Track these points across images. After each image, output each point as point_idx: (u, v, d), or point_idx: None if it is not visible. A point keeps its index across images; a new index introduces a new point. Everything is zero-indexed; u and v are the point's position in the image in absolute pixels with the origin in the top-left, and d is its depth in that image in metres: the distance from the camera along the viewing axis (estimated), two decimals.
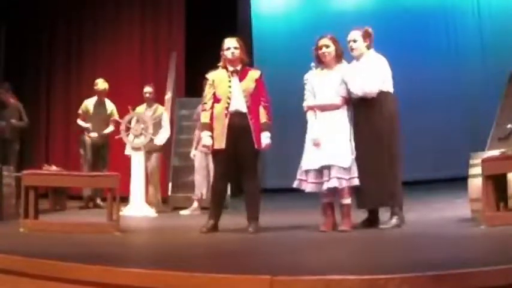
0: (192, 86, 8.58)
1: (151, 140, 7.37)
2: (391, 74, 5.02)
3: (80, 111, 8.19)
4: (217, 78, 5.06)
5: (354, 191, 4.88)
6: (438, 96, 10.11)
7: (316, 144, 4.87)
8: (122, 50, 10.01)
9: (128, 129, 7.38)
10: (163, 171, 8.19)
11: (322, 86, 4.98)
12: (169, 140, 8.15)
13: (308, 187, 4.88)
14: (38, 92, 10.10)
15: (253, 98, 4.99)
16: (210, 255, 3.87)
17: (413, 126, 8.58)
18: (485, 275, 2.49)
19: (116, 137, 7.59)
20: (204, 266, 3.19)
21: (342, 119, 4.93)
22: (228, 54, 5.02)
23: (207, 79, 5.18)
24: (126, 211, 6.84)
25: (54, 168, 7.30)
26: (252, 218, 4.92)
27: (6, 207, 5.99)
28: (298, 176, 4.95)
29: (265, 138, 4.98)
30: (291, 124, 8.53)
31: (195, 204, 7.29)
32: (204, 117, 5.06)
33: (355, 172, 4.81)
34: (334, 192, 4.86)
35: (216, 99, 5.01)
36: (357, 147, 4.88)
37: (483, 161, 4.69)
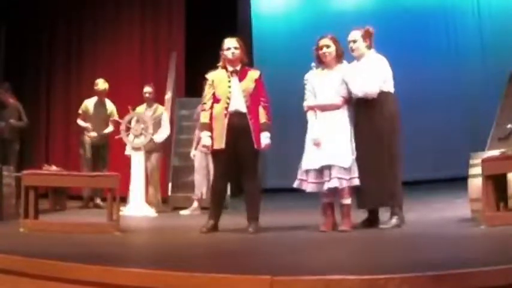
0: (192, 86, 8.58)
1: (152, 140, 7.37)
2: (392, 74, 5.02)
3: (80, 111, 8.21)
4: (217, 79, 5.06)
5: (354, 191, 4.88)
6: (438, 96, 10.11)
7: (317, 144, 4.87)
8: (122, 50, 10.01)
9: (128, 129, 7.38)
10: (163, 171, 8.19)
11: (323, 86, 4.98)
12: (169, 140, 8.15)
13: (308, 187, 4.88)
14: (38, 92, 10.10)
15: (253, 98, 4.99)
16: (210, 255, 3.87)
17: (413, 126, 8.57)
18: (485, 275, 2.49)
19: (116, 137, 7.59)
20: (204, 266, 3.19)
21: (342, 119, 4.93)
22: (228, 54, 5.02)
23: (206, 79, 5.18)
24: (126, 211, 6.84)
25: (54, 168, 7.30)
26: (252, 218, 4.92)
27: (6, 207, 5.99)
28: (298, 176, 4.95)
29: (265, 139, 4.98)
30: (291, 124, 8.54)
31: (195, 204, 7.29)
32: (204, 117, 5.06)
33: (355, 172, 4.81)
34: (335, 192, 4.86)
35: (216, 99, 5.01)
36: (358, 147, 4.88)
37: (483, 161, 4.69)
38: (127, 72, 9.69)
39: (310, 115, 5.03)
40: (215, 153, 5.06)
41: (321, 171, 4.83)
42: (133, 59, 9.94)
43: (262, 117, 5.00)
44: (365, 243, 4.26)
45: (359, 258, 3.53)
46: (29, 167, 6.37)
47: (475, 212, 5.00)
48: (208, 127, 5.00)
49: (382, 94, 4.90)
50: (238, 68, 5.05)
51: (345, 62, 5.06)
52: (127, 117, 7.42)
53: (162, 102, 8.30)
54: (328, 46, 4.97)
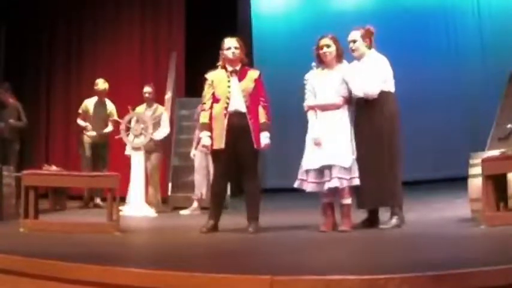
0: (192, 86, 8.57)
1: (151, 140, 7.37)
2: (393, 73, 5.02)
3: (80, 111, 8.21)
4: (217, 78, 5.06)
5: (354, 190, 4.88)
6: (438, 96, 10.11)
7: (317, 144, 4.87)
8: (122, 50, 10.01)
9: (127, 129, 7.38)
10: (163, 171, 8.19)
11: (323, 86, 4.98)
12: (169, 140, 8.15)
13: (309, 187, 4.88)
14: (38, 92, 10.09)
15: (253, 98, 4.99)
16: (210, 255, 3.87)
17: (413, 126, 8.58)
18: (485, 275, 2.49)
19: (116, 137, 7.59)
20: (204, 266, 3.19)
21: (342, 118, 4.93)
22: (228, 53, 5.02)
23: (206, 79, 5.18)
24: (126, 211, 6.83)
25: (54, 168, 7.30)
26: (252, 218, 4.92)
27: (6, 207, 5.99)
28: (299, 176, 4.94)
29: (265, 138, 4.98)
30: (291, 124, 8.55)
31: (195, 204, 7.29)
32: (203, 117, 5.06)
33: (355, 172, 4.81)
34: (335, 192, 4.86)
35: (215, 99, 5.01)
36: (358, 147, 4.88)
37: (483, 161, 4.69)
38: (127, 72, 9.69)
39: (310, 115, 5.03)
40: (215, 153, 5.05)
41: (321, 171, 4.83)
42: (133, 59, 9.94)
43: (262, 117, 5.00)
44: (365, 243, 4.26)
45: (359, 258, 3.53)
46: (29, 167, 6.37)
47: (475, 212, 4.99)
48: (208, 127, 5.00)
49: (383, 94, 4.89)
50: (237, 68, 5.05)
51: (345, 61, 5.06)
52: (127, 117, 7.42)
53: (162, 102, 8.30)
54: (328, 46, 4.97)
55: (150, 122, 7.37)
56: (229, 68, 5.05)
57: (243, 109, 4.95)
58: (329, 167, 4.79)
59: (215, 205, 5.07)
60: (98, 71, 9.24)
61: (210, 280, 2.65)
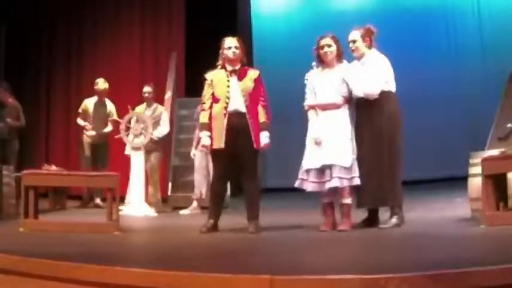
0: (192, 86, 8.57)
1: (151, 139, 7.37)
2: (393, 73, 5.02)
3: (80, 111, 8.22)
4: (216, 78, 5.06)
5: (354, 190, 4.88)
6: (438, 96, 10.12)
7: (318, 143, 4.87)
8: (122, 50, 10.00)
9: (127, 129, 7.38)
10: (163, 171, 8.19)
11: (323, 86, 4.98)
12: (169, 140, 8.15)
13: (309, 186, 4.88)
14: (38, 92, 10.09)
15: (252, 98, 4.98)
16: (210, 255, 3.87)
17: (413, 126, 8.51)
18: (485, 275, 2.49)
19: (116, 136, 7.58)
20: (204, 266, 3.19)
21: (343, 118, 4.93)
22: (229, 53, 5.02)
23: (205, 79, 5.18)
24: (125, 211, 6.83)
25: (54, 168, 7.30)
26: (252, 217, 4.92)
27: (6, 207, 5.99)
28: (299, 176, 4.94)
29: (264, 138, 4.98)
30: (291, 124, 8.54)
31: (195, 203, 7.29)
32: (203, 117, 5.06)
33: (356, 171, 4.81)
34: (335, 191, 4.86)
35: (215, 99, 5.01)
36: (358, 147, 4.89)
37: (483, 160, 4.69)
38: (127, 72, 9.69)
39: (311, 114, 5.03)
40: (215, 153, 5.05)
41: (321, 171, 4.83)
42: (133, 59, 9.93)
43: (262, 116, 5.00)
44: (365, 243, 4.25)
45: (359, 258, 3.53)
46: (29, 166, 6.36)
47: (474, 212, 4.99)
48: (208, 127, 5.00)
49: (383, 94, 4.89)
50: (237, 67, 5.05)
51: (345, 61, 5.07)
52: (126, 117, 7.42)
53: (162, 102, 8.30)
54: (329, 45, 4.97)
55: (149, 121, 7.37)
56: (229, 68, 5.05)
57: (243, 109, 4.95)
58: (329, 167, 4.79)
59: (215, 205, 5.07)
60: (98, 71, 9.23)
61: (210, 280, 2.65)
